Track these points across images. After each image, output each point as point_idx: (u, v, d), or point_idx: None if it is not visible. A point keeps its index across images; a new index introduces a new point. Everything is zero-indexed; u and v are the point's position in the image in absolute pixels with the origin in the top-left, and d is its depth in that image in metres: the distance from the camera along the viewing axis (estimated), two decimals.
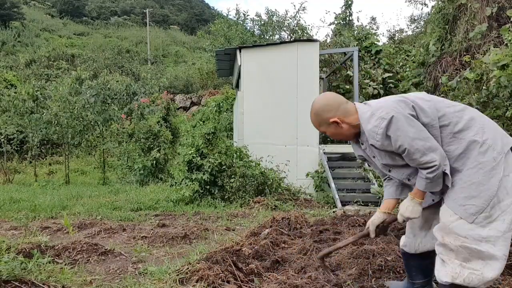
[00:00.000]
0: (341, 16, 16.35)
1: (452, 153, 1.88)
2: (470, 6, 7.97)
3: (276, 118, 8.67)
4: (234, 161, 7.47)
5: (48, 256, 3.03)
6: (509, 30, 6.10)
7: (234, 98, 11.95)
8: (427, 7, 16.98)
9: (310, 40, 9.73)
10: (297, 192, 7.67)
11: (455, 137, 1.88)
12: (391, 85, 10.57)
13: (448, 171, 1.85)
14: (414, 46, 14.06)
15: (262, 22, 17.38)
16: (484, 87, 5.89)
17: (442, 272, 1.91)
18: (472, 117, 1.90)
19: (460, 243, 1.85)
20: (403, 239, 2.29)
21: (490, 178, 1.80)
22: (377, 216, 2.15)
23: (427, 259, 2.17)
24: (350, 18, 16.41)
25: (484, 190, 1.80)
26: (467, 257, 1.85)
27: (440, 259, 1.94)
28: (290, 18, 17.10)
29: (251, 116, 8.68)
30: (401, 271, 2.75)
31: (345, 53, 10.89)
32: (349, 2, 16.42)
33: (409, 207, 2.00)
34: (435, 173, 1.84)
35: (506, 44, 5.89)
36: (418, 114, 1.89)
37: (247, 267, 2.84)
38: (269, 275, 2.81)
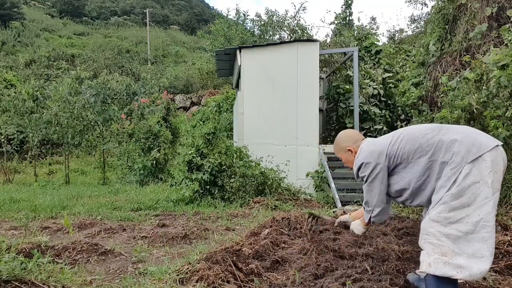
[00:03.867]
0: (341, 16, 16.34)
1: (432, 177, 2.23)
2: (470, 6, 7.96)
3: (276, 118, 8.66)
4: (234, 161, 7.47)
5: (48, 256, 3.04)
6: (509, 30, 6.10)
7: (234, 98, 11.96)
8: (427, 7, 16.97)
9: (310, 40, 9.72)
10: (297, 192, 7.67)
11: (430, 161, 2.22)
12: (391, 85, 10.56)
13: (366, 220, 2.56)
14: (414, 46, 14.05)
15: (262, 22, 17.37)
16: (484, 87, 5.89)
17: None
18: (441, 140, 2.20)
19: (423, 241, 2.16)
20: None
21: (441, 188, 2.13)
22: (346, 217, 2.87)
23: None
24: (350, 18, 16.40)
25: (437, 198, 2.15)
26: (430, 252, 2.11)
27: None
28: (290, 18, 17.11)
29: (251, 116, 8.67)
30: (401, 270, 2.75)
31: (345, 53, 10.88)
32: (349, 2, 16.40)
33: (355, 226, 2.73)
34: (365, 209, 2.56)
35: (506, 44, 5.90)
36: (390, 161, 2.37)
37: (247, 267, 2.84)
38: (269, 275, 2.81)
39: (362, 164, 2.44)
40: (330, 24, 18.79)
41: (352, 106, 9.65)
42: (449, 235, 2.05)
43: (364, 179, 2.46)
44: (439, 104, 8.19)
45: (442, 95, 7.62)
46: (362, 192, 7.59)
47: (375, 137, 9.45)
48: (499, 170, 2.07)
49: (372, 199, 2.45)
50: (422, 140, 2.27)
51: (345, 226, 2.86)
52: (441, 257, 2.04)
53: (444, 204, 2.08)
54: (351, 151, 2.62)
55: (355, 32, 12.89)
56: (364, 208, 2.56)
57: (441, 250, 2.05)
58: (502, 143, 2.17)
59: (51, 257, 3.11)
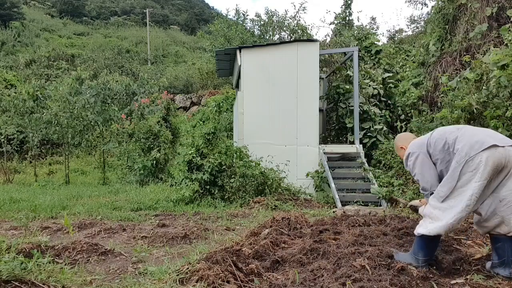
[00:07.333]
0: (341, 16, 16.34)
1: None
2: (470, 6, 7.96)
3: (276, 118, 8.66)
4: (234, 161, 7.47)
5: (48, 256, 3.03)
6: (509, 30, 6.11)
7: (234, 98, 11.95)
8: (427, 7, 16.95)
9: (310, 40, 9.71)
10: (297, 192, 7.67)
11: (454, 152, 2.78)
12: (391, 85, 10.54)
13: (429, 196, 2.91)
14: (414, 46, 14.04)
15: (262, 22, 17.37)
16: (484, 87, 5.89)
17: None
18: (459, 135, 2.77)
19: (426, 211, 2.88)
20: None
21: (453, 174, 2.69)
22: (416, 202, 3.40)
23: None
24: (350, 18, 16.39)
25: (448, 183, 2.71)
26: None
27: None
28: (290, 18, 17.11)
29: (251, 116, 8.67)
30: (400, 269, 2.75)
31: (345, 53, 10.87)
32: (349, 2, 16.40)
33: (422, 209, 3.10)
34: (424, 194, 3.00)
35: (506, 44, 5.90)
36: (429, 149, 2.89)
37: (247, 267, 2.84)
38: (269, 275, 2.81)
39: (408, 154, 2.99)
40: (330, 24, 18.80)
41: (352, 106, 9.64)
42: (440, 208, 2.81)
43: (412, 168, 2.95)
44: (439, 104, 8.19)
45: (442, 95, 7.62)
46: (363, 192, 7.62)
47: (375, 137, 9.49)
48: (492, 164, 2.58)
49: (427, 184, 2.87)
50: (449, 136, 2.83)
51: (415, 209, 3.35)
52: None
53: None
54: (404, 148, 3.16)
55: (355, 32, 12.87)
56: (423, 194, 2.96)
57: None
58: (510, 144, 2.64)
59: (51, 257, 3.11)
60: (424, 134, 3.19)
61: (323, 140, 10.43)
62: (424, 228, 2.78)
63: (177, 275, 2.70)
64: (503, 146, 2.61)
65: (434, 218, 2.75)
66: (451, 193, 2.68)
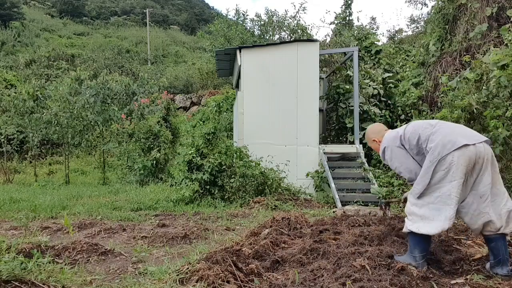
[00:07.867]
0: (341, 16, 16.35)
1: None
2: (470, 6, 7.97)
3: (276, 118, 8.66)
4: (234, 161, 7.47)
5: (48, 256, 3.03)
6: (509, 30, 6.10)
7: (234, 98, 11.95)
8: (427, 7, 16.96)
9: (310, 40, 9.71)
10: (297, 192, 7.67)
11: (426, 149, 2.84)
12: (391, 85, 10.54)
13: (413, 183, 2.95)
14: (414, 46, 14.05)
15: (262, 22, 17.38)
16: (484, 87, 5.89)
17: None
18: (432, 132, 2.84)
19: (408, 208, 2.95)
20: None
21: (426, 173, 2.76)
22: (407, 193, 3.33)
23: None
24: (350, 18, 16.41)
25: (422, 181, 2.78)
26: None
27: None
28: (290, 18, 17.12)
29: (251, 116, 8.67)
30: (400, 269, 2.75)
31: (345, 53, 10.87)
32: (349, 2, 16.41)
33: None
34: (408, 181, 3.06)
35: (506, 44, 5.89)
36: (403, 144, 2.98)
37: (247, 267, 2.84)
38: (269, 275, 2.81)
39: (384, 148, 3.06)
40: (330, 24, 18.82)
41: (352, 106, 9.64)
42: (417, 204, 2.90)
43: (391, 162, 3.02)
44: (439, 104, 8.19)
45: (442, 95, 7.62)
46: (363, 192, 7.61)
47: None
48: (464, 163, 2.66)
49: (411, 173, 2.92)
50: (422, 131, 2.89)
51: (405, 199, 3.30)
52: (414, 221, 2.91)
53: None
54: (376, 141, 3.24)
55: (355, 32, 12.87)
56: (411, 184, 2.98)
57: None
58: (480, 140, 2.73)
59: (51, 257, 3.11)
60: None
61: (323, 140, 10.43)
62: (410, 225, 2.84)
63: (177, 275, 2.70)
64: (473, 144, 2.70)
65: (413, 214, 2.84)
66: (426, 190, 2.77)
